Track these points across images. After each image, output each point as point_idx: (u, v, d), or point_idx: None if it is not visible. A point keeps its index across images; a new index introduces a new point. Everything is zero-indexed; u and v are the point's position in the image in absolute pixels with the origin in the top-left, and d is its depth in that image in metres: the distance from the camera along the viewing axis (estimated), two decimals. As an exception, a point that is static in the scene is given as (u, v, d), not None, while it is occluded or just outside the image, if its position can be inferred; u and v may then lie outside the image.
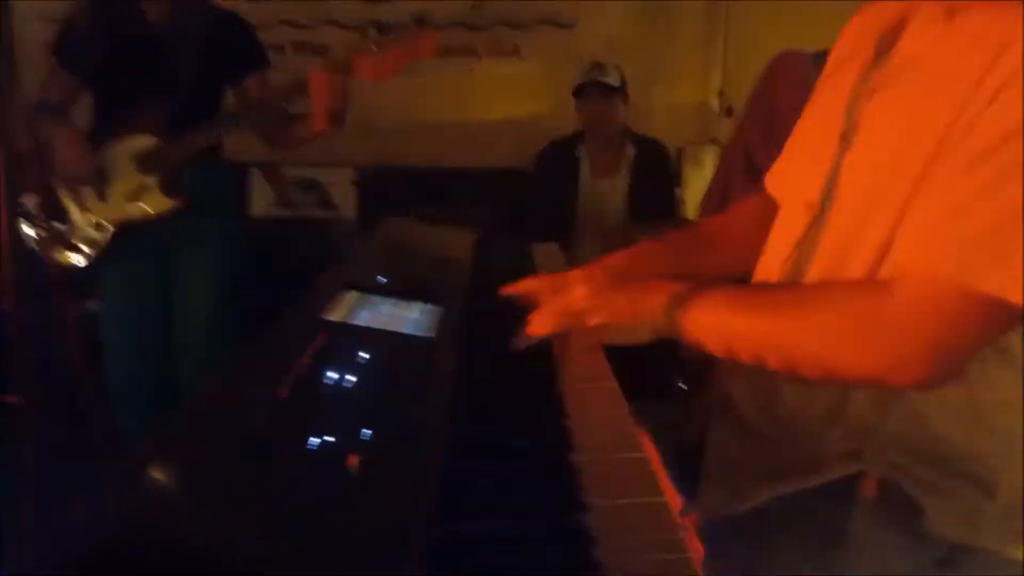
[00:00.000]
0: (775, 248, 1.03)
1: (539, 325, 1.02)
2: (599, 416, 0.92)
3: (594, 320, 1.00)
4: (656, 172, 3.29)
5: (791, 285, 0.96)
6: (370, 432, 0.77)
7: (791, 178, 1.07)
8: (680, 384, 2.57)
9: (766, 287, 1.02)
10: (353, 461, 0.69)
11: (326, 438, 0.74)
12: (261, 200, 3.89)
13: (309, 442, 0.73)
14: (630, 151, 3.27)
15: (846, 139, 0.94)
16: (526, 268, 1.70)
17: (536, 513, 0.71)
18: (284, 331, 1.02)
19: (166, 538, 0.60)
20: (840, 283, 0.90)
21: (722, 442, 1.05)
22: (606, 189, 3.29)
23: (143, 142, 2.27)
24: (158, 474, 0.66)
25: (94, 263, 2.34)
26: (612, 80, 3.21)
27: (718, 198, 2.40)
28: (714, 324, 0.91)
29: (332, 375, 0.88)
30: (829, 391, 0.92)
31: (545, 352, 1.08)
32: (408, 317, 1.16)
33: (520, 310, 1.21)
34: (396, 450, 0.75)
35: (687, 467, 0.84)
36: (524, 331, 1.03)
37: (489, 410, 0.95)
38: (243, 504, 0.64)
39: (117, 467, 0.69)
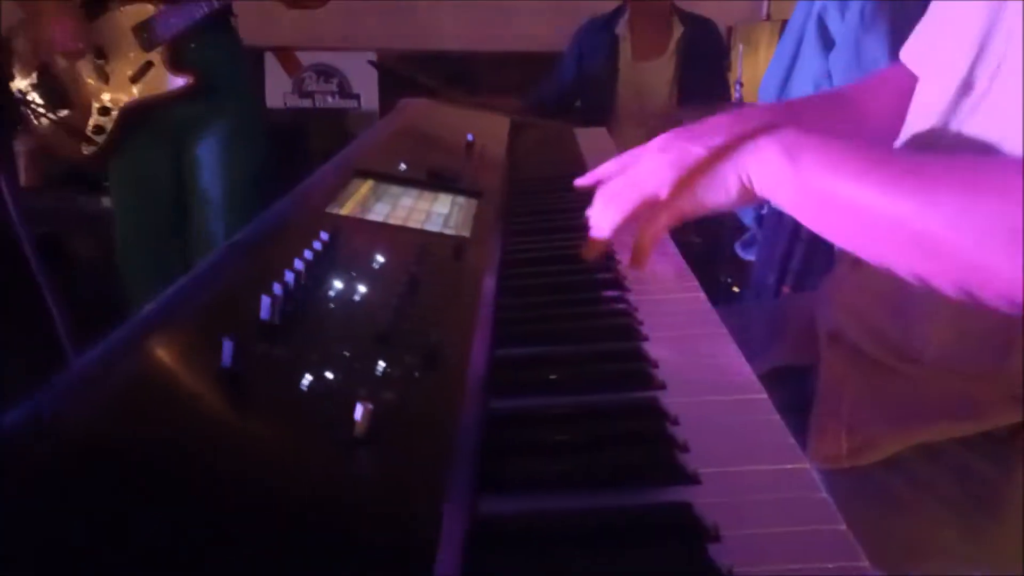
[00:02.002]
0: (915, 125, 0.79)
1: (601, 222, 0.78)
2: (688, 340, 0.70)
3: (666, 188, 0.74)
4: (707, 53, 2.98)
5: (955, 158, 0.71)
6: (384, 365, 0.56)
7: (936, 44, 0.81)
8: (733, 287, 2.35)
9: (913, 152, 0.76)
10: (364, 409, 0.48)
11: (325, 374, 0.53)
12: (276, 89, 3.63)
13: (301, 381, 0.52)
14: (677, 29, 2.97)
15: None
16: (571, 155, 1.47)
17: (624, 484, 0.50)
18: (276, 228, 0.80)
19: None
20: (1008, 163, 0.65)
21: (837, 376, 0.82)
22: (649, 72, 2.99)
23: (142, 12, 2.03)
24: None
25: (101, 151, 2.13)
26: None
27: (782, 75, 2.13)
28: (838, 191, 0.65)
29: (337, 284, 0.67)
30: (999, 319, 0.69)
31: (607, 253, 0.86)
32: (435, 212, 0.94)
33: (574, 203, 0.98)
34: (420, 389, 0.54)
35: (782, 400, 0.63)
36: (588, 238, 0.80)
37: (541, 331, 0.73)
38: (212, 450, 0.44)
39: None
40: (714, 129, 0.75)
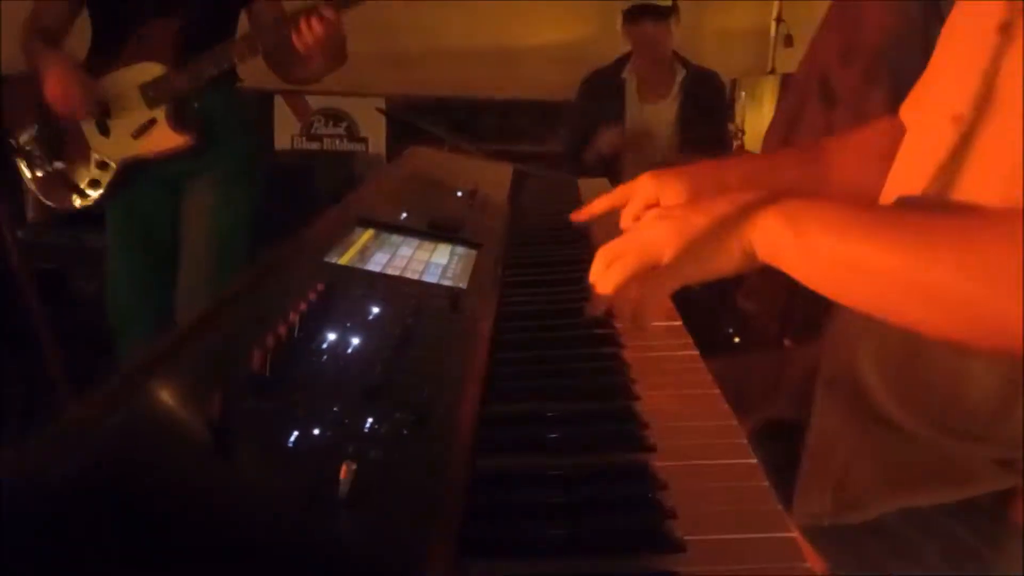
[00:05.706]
0: (910, 173, 0.79)
1: (603, 282, 0.78)
2: (681, 401, 0.69)
3: (668, 254, 0.75)
4: (707, 98, 3.04)
5: (946, 207, 0.71)
6: (372, 422, 0.56)
7: (934, 91, 0.82)
8: (734, 337, 2.34)
9: (911, 208, 0.76)
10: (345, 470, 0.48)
11: (312, 431, 0.53)
12: (285, 131, 3.67)
13: (288, 438, 0.52)
14: (679, 73, 3.03)
15: (1006, 30, 0.69)
16: (573, 206, 1.48)
17: (611, 551, 0.50)
18: (275, 276, 0.81)
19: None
20: (1010, 211, 0.65)
21: (829, 430, 0.82)
22: (654, 114, 3.06)
23: (149, 71, 2.04)
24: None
25: (97, 203, 2.14)
26: (662, 0, 2.95)
27: (785, 129, 2.15)
28: (843, 253, 0.65)
29: (329, 337, 0.67)
30: (992, 379, 0.69)
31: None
32: (434, 262, 0.95)
33: (573, 255, 0.99)
34: (408, 447, 0.53)
35: (775, 455, 0.62)
36: (592, 297, 0.80)
37: (534, 387, 0.73)
38: (194, 524, 0.44)
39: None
40: (714, 197, 0.76)
